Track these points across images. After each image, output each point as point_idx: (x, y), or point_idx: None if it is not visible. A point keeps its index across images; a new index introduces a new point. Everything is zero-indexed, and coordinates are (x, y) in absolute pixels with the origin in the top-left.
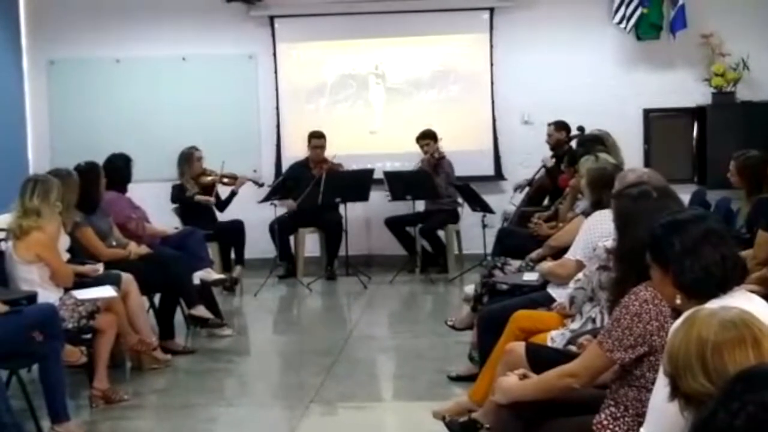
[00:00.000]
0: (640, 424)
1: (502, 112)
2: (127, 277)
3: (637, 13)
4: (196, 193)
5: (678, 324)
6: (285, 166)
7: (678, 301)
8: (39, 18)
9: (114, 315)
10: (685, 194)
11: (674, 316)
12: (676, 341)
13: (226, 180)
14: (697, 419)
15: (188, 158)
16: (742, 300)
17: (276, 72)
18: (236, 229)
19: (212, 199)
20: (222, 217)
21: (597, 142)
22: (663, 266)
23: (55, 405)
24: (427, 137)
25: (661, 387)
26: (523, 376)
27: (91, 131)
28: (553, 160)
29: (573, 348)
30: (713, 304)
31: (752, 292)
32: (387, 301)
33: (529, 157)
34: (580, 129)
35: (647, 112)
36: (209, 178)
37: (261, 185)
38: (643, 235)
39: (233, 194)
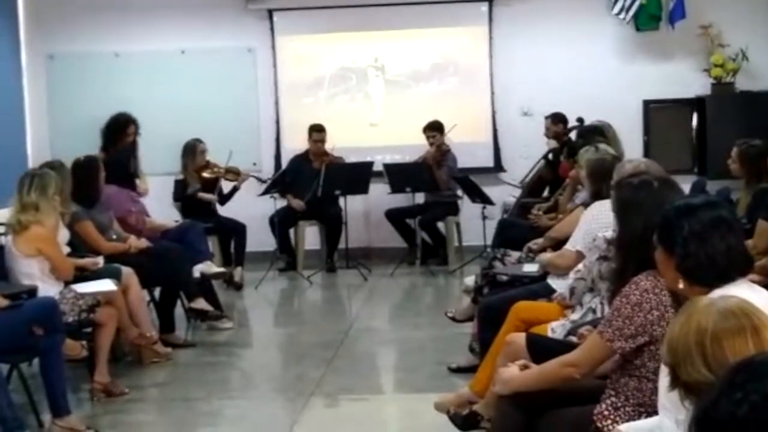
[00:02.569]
0: (641, 413)
1: (502, 104)
2: (127, 271)
3: (636, 3)
4: (198, 189)
5: (676, 316)
6: (285, 159)
7: (680, 285)
8: (38, 12)
9: (114, 309)
10: (685, 184)
11: (675, 306)
12: (675, 331)
13: (230, 176)
14: (699, 409)
15: (191, 150)
16: (745, 290)
17: (275, 65)
18: (238, 231)
19: (215, 197)
20: (222, 211)
21: (596, 133)
22: (668, 248)
23: (56, 399)
24: (434, 129)
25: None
26: (524, 367)
27: (90, 125)
28: (550, 154)
29: (573, 339)
30: (717, 293)
31: (752, 281)
32: (387, 294)
33: (528, 149)
34: (580, 120)
35: (647, 103)
36: (212, 175)
37: (264, 181)
38: (643, 224)
39: (235, 189)
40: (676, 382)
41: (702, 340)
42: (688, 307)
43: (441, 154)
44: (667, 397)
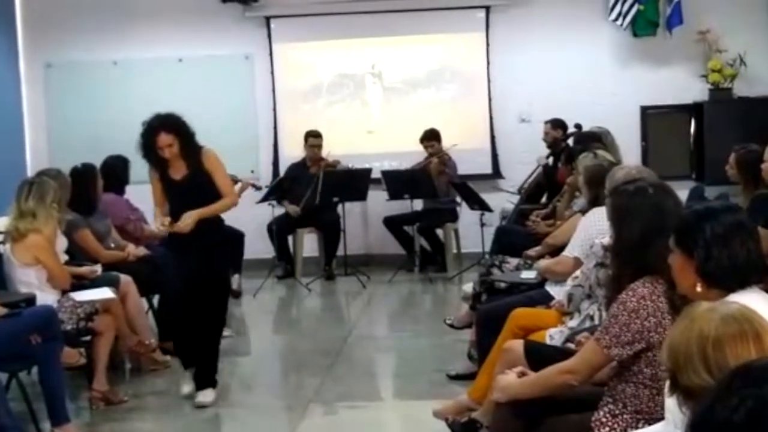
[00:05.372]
0: (639, 420)
1: (499, 111)
2: (125, 279)
3: (634, 9)
4: None
5: (677, 321)
6: (282, 167)
7: (698, 289)
8: (36, 21)
9: (113, 316)
10: (682, 190)
11: (672, 313)
12: (677, 336)
13: None
14: (696, 414)
15: None
16: (758, 297)
17: (272, 72)
18: (235, 238)
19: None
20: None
21: (594, 139)
22: (688, 252)
23: (55, 407)
24: (432, 139)
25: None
26: (522, 374)
27: (88, 133)
28: (549, 159)
29: (571, 345)
30: (732, 299)
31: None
32: (386, 301)
33: (526, 155)
34: (578, 126)
35: (644, 109)
36: None
37: (259, 189)
38: (639, 231)
39: None
40: (676, 387)
41: (704, 346)
42: (689, 313)
43: (443, 164)
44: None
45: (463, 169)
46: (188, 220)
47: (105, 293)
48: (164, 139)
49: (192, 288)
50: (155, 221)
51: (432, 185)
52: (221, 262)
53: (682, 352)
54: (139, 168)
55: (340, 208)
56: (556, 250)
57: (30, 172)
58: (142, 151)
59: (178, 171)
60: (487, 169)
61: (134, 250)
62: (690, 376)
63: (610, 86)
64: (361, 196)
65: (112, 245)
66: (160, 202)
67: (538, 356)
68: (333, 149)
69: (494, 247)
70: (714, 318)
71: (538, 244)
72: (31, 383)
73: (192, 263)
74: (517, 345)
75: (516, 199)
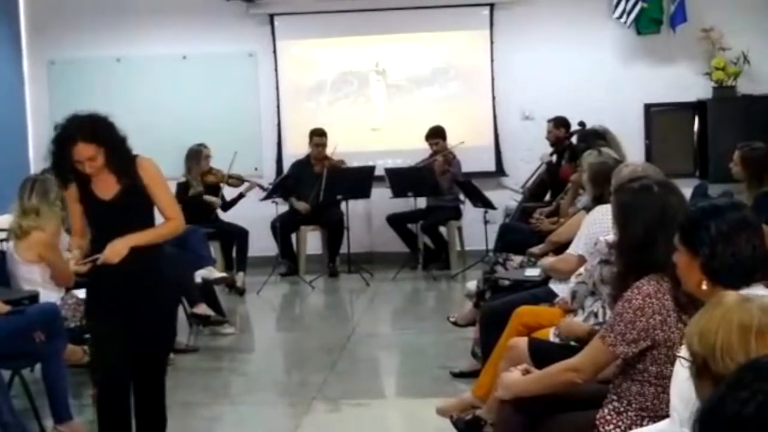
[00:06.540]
0: (643, 418)
1: (503, 108)
2: None
3: (638, 7)
4: (202, 192)
5: (705, 308)
6: (286, 164)
7: (704, 287)
8: (39, 18)
9: None
10: (686, 188)
11: (677, 310)
12: (712, 325)
13: (231, 181)
14: (705, 406)
15: (196, 155)
16: (763, 294)
17: (276, 70)
18: (240, 236)
19: (218, 201)
20: (224, 216)
21: (598, 136)
22: (693, 249)
23: (58, 404)
24: (437, 136)
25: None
26: (526, 372)
27: None
28: (553, 156)
29: (574, 343)
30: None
31: None
32: (389, 298)
33: (530, 153)
34: (581, 124)
35: (648, 107)
36: (215, 180)
37: (266, 189)
38: (644, 228)
39: (241, 196)
40: (705, 373)
41: (746, 336)
42: (719, 303)
43: (447, 163)
44: (678, 396)
45: (466, 167)
46: (117, 246)
47: None
48: (83, 150)
49: (121, 352)
50: (71, 257)
51: (435, 183)
52: (164, 310)
53: (720, 341)
54: None
55: (343, 205)
56: (560, 248)
57: (33, 170)
58: (54, 166)
59: (107, 188)
60: (491, 167)
61: None
62: (727, 363)
63: (613, 84)
64: (365, 194)
65: None
66: (79, 231)
67: (542, 354)
68: (337, 147)
69: (498, 244)
70: (753, 308)
71: (542, 242)
72: (34, 380)
73: (124, 314)
74: (521, 342)
75: (520, 196)
